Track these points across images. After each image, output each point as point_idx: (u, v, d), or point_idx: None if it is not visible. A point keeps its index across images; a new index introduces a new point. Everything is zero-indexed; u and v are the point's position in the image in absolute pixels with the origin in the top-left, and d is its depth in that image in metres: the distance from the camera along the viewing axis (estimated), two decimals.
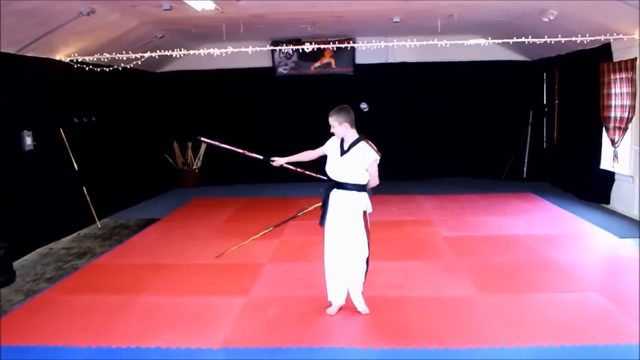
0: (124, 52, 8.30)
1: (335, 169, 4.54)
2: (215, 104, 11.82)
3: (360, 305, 4.68)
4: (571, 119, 9.95)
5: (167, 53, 8.18)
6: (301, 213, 5.99)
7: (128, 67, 9.22)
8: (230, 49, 8.04)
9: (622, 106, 8.01)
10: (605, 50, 8.30)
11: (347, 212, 4.48)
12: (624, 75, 7.89)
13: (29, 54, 7.09)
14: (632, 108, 7.74)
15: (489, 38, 8.12)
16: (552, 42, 7.71)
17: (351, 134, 4.51)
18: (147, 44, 9.12)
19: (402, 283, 5.42)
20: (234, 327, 4.48)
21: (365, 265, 4.60)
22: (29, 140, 7.03)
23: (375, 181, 4.60)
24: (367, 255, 4.58)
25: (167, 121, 11.78)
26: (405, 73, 11.45)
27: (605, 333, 4.20)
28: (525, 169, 11.66)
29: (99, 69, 8.50)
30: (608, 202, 8.65)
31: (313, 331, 4.38)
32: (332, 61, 11.64)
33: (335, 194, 4.54)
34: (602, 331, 4.23)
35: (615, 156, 8.25)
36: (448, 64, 11.22)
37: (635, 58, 7.55)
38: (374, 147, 4.50)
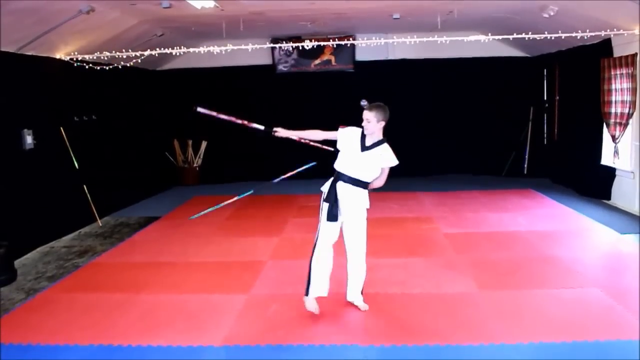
0: (123, 50, 8.30)
1: (352, 164, 4.44)
2: (215, 102, 11.70)
3: (360, 302, 4.68)
4: (572, 115, 9.94)
5: (167, 51, 8.16)
6: (246, 194, 6.00)
7: (128, 65, 9.23)
8: (230, 47, 8.03)
9: (622, 102, 7.99)
10: (605, 45, 8.28)
11: (355, 208, 4.48)
12: (624, 70, 7.87)
13: (29, 53, 7.08)
14: (633, 104, 7.73)
15: (489, 34, 8.12)
16: (553, 38, 7.70)
17: (378, 134, 4.45)
18: (147, 42, 9.11)
19: (403, 280, 5.42)
20: (235, 324, 4.49)
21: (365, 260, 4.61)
22: (29, 139, 7.03)
23: (382, 182, 4.58)
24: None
25: (168, 119, 11.77)
26: (405, 70, 11.43)
27: (606, 329, 4.19)
28: (525, 166, 11.65)
29: (98, 68, 8.50)
30: (609, 198, 8.64)
31: (314, 328, 4.38)
32: (332, 58, 11.63)
33: (342, 188, 4.46)
34: (603, 327, 4.23)
35: (616, 152, 8.24)
36: (448, 61, 11.19)
37: (636, 53, 7.54)
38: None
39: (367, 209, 4.58)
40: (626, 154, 8.18)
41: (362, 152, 4.42)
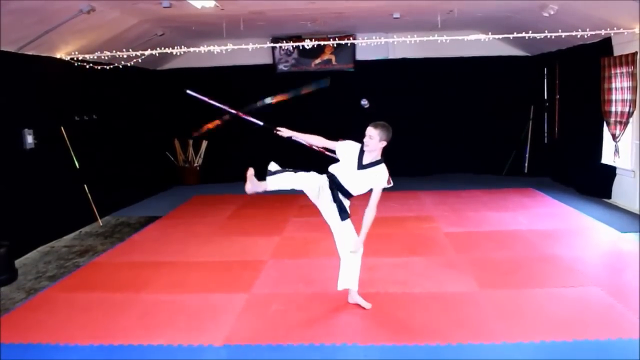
0: (124, 50, 8.30)
1: (345, 177, 4.42)
2: (216, 101, 11.80)
3: (354, 286, 4.71)
4: (572, 113, 9.93)
5: (167, 51, 8.17)
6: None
7: (128, 65, 9.23)
8: (230, 46, 8.02)
9: (623, 100, 7.99)
10: (605, 44, 8.28)
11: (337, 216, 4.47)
12: (624, 69, 7.87)
13: (29, 53, 7.08)
14: (633, 102, 7.72)
15: (490, 33, 8.12)
16: (553, 37, 7.69)
17: (377, 154, 4.40)
18: (147, 41, 9.11)
19: (404, 279, 5.42)
20: (235, 324, 4.49)
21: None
22: (30, 139, 7.03)
23: (373, 211, 4.42)
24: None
25: (168, 119, 11.77)
26: (405, 69, 11.43)
27: (607, 328, 4.19)
28: (526, 164, 11.64)
29: (99, 67, 8.50)
30: (609, 197, 8.64)
31: (315, 328, 4.38)
32: (333, 58, 11.62)
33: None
34: (604, 326, 4.23)
35: (617, 151, 8.24)
36: (448, 60, 11.18)
37: (636, 52, 7.53)
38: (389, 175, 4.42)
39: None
40: (626, 152, 8.17)
41: (358, 170, 4.39)
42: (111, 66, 8.67)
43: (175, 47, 8.11)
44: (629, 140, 8.11)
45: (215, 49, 8.04)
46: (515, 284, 5.21)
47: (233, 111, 4.91)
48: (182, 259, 6.33)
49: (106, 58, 8.38)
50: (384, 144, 4.36)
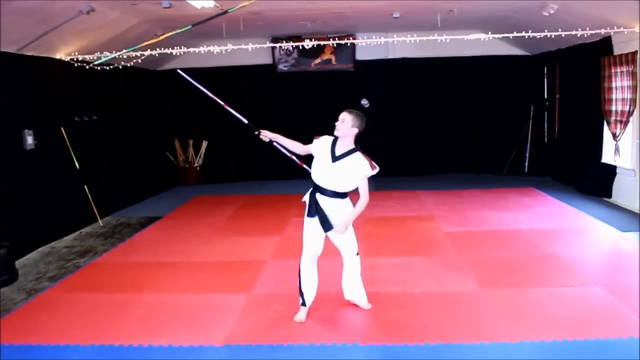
0: (124, 50, 8.29)
1: (323, 175, 4.30)
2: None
3: (363, 301, 4.67)
4: (572, 113, 9.93)
5: (167, 51, 8.17)
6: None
7: (128, 65, 9.22)
8: (230, 47, 8.03)
9: (623, 99, 7.99)
10: (605, 43, 8.27)
11: (337, 218, 4.32)
12: (624, 68, 7.87)
13: (29, 53, 7.08)
14: (633, 101, 7.72)
15: (489, 33, 8.12)
16: (553, 36, 7.69)
17: (350, 142, 4.29)
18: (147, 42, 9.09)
19: (404, 279, 5.42)
20: (236, 324, 4.49)
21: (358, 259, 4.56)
22: (30, 140, 7.03)
23: (365, 198, 4.28)
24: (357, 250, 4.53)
25: (168, 119, 11.77)
26: (405, 69, 11.43)
27: (608, 327, 4.19)
28: (526, 164, 11.64)
29: (99, 68, 8.50)
30: (610, 196, 8.63)
31: (315, 328, 4.38)
32: (333, 57, 11.62)
33: (322, 200, 4.32)
34: (605, 325, 4.23)
35: (617, 150, 8.24)
36: (448, 59, 11.19)
37: (636, 51, 7.53)
38: (371, 160, 4.28)
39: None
40: (627, 151, 8.17)
41: (333, 162, 4.26)
42: (111, 66, 8.67)
43: (175, 48, 8.11)
44: (629, 139, 8.11)
45: (215, 49, 8.04)
46: (515, 284, 5.21)
47: (220, 101, 4.84)
48: (183, 259, 6.33)
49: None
50: (356, 131, 4.26)
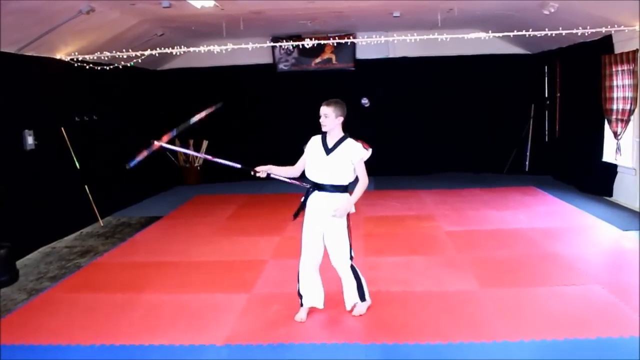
0: (124, 50, 8.29)
1: (319, 170, 4.28)
2: (216, 101, 11.75)
3: (357, 308, 4.56)
4: (573, 111, 9.92)
5: (167, 51, 8.16)
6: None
7: (128, 65, 9.22)
8: (230, 46, 8.02)
9: (624, 98, 7.98)
10: (606, 42, 8.26)
11: (331, 216, 4.27)
12: (625, 67, 7.86)
13: (29, 53, 7.08)
14: (634, 100, 7.71)
15: (490, 31, 8.11)
16: (553, 35, 7.68)
17: (338, 131, 4.30)
18: (147, 41, 9.11)
19: (405, 278, 5.41)
20: (236, 323, 4.49)
21: (350, 262, 4.44)
22: (30, 140, 7.04)
23: (364, 180, 4.30)
24: (351, 255, 4.42)
25: (168, 119, 11.74)
26: (406, 68, 11.42)
27: (608, 326, 4.19)
28: (527, 163, 11.63)
29: (99, 68, 8.50)
30: (611, 195, 8.63)
31: (316, 327, 4.38)
32: (333, 57, 11.62)
33: (317, 197, 4.31)
34: (605, 324, 4.22)
35: (618, 148, 8.23)
36: (449, 58, 11.18)
37: (637, 50, 7.51)
38: (363, 142, 4.28)
39: (352, 213, 4.36)
40: (628, 150, 8.16)
41: (328, 155, 4.25)
42: (111, 66, 8.67)
43: (175, 47, 8.11)
44: (630, 138, 8.10)
45: (215, 48, 8.04)
46: (516, 283, 5.21)
47: (209, 157, 4.78)
48: (183, 259, 6.33)
49: (106, 58, 8.38)
50: (341, 119, 4.26)
